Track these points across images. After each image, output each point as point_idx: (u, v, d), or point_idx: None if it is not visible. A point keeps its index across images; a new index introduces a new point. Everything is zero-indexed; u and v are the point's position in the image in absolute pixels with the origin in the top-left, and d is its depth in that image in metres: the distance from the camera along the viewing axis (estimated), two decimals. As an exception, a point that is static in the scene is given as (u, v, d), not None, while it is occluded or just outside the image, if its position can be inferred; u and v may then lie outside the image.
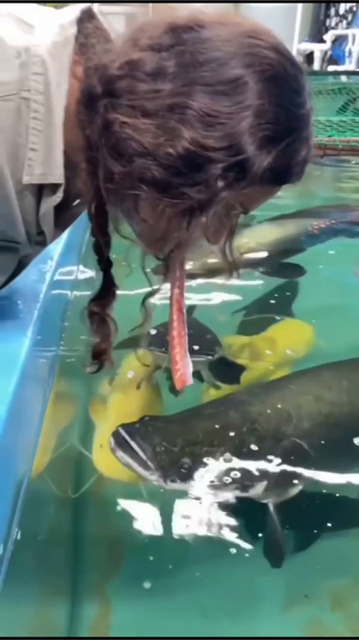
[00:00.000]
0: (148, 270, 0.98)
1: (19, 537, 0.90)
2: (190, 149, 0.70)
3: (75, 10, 0.82)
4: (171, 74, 0.71)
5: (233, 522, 1.11)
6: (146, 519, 1.09)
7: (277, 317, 1.85)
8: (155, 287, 1.00)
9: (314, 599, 1.03)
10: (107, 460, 1.11)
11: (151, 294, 1.01)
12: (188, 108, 0.70)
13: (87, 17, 0.82)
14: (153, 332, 1.47)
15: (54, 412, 1.28)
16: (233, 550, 1.08)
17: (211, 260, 1.84)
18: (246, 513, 1.12)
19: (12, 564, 0.85)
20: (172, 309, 1.01)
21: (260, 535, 1.09)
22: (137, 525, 1.07)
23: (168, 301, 1.04)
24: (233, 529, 1.11)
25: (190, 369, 1.02)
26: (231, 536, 1.09)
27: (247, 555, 1.08)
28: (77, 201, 0.96)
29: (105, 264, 0.91)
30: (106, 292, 0.94)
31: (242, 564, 1.08)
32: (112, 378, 1.45)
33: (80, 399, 1.50)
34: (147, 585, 0.99)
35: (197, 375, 1.40)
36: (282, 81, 0.73)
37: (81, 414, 1.40)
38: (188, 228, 0.77)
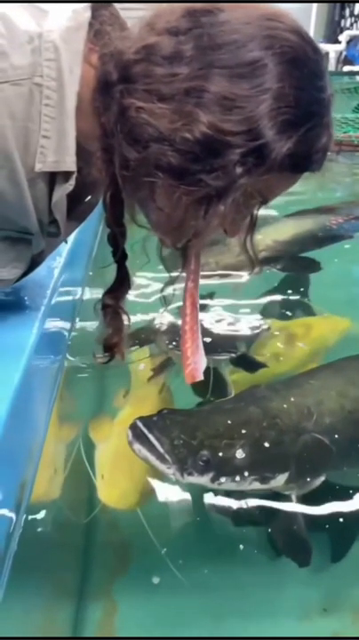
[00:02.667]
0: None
1: (23, 538, 0.87)
2: (208, 134, 0.67)
3: None
4: (189, 57, 0.68)
5: (249, 524, 1.10)
6: (155, 519, 1.06)
7: (289, 313, 1.84)
8: (174, 275, 0.97)
9: (333, 613, 1.00)
10: (109, 492, 1.09)
11: (169, 284, 0.99)
12: (206, 92, 0.67)
13: (103, 3, 0.80)
14: (171, 329, 1.46)
15: (62, 414, 1.24)
16: (247, 556, 1.07)
17: (228, 259, 1.83)
18: (263, 515, 1.10)
19: (17, 564, 0.83)
20: (186, 303, 0.98)
21: (278, 539, 1.07)
22: (146, 525, 1.04)
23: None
24: (248, 531, 1.10)
25: (202, 365, 0.99)
26: (246, 539, 1.08)
27: (262, 562, 1.06)
28: (89, 197, 0.94)
29: (120, 256, 0.89)
30: (120, 284, 0.92)
31: (256, 572, 1.05)
32: (122, 390, 1.41)
33: (89, 401, 1.45)
34: (155, 588, 0.98)
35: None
36: (302, 64, 0.70)
37: (90, 416, 1.36)
38: (205, 217, 0.74)
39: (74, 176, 0.78)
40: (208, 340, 1.07)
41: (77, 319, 1.46)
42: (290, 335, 1.66)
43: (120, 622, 0.99)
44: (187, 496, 1.12)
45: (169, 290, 1.02)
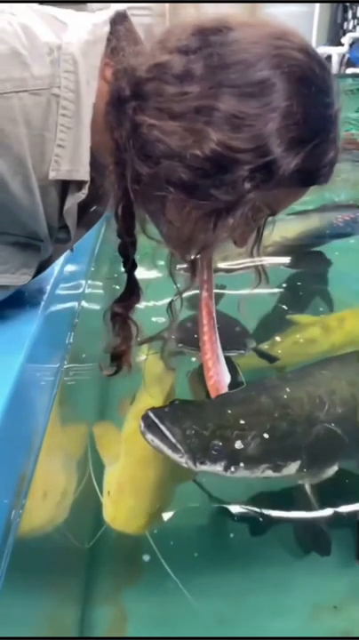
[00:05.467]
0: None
1: (22, 539, 0.85)
2: (217, 151, 0.68)
3: (109, 11, 0.81)
4: (199, 76, 0.69)
5: (259, 521, 1.08)
6: (162, 520, 1.06)
7: (291, 310, 1.81)
8: (183, 289, 0.98)
9: (344, 611, 0.99)
10: (114, 511, 1.04)
11: (177, 295, 0.99)
12: (215, 110, 0.68)
13: (120, 19, 0.81)
14: (181, 327, 1.45)
15: (62, 417, 1.19)
16: (257, 556, 1.06)
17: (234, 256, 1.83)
18: (274, 511, 1.09)
19: (16, 569, 0.80)
20: (202, 313, 0.98)
21: (296, 530, 1.07)
22: (154, 528, 1.04)
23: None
24: (258, 532, 1.08)
25: (225, 376, 0.99)
26: (255, 540, 1.06)
27: (272, 562, 1.05)
28: (94, 208, 0.95)
29: (130, 266, 0.90)
30: (129, 293, 0.93)
31: (266, 570, 1.05)
32: (128, 396, 1.35)
33: (91, 404, 1.41)
34: (162, 590, 0.97)
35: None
36: (310, 82, 0.71)
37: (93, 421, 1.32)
38: (215, 230, 0.75)
39: (86, 185, 0.78)
40: (220, 335, 1.07)
41: (77, 319, 1.41)
42: (322, 328, 1.64)
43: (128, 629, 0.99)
44: (194, 506, 1.12)
45: (176, 298, 1.02)
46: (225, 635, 0.96)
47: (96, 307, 1.56)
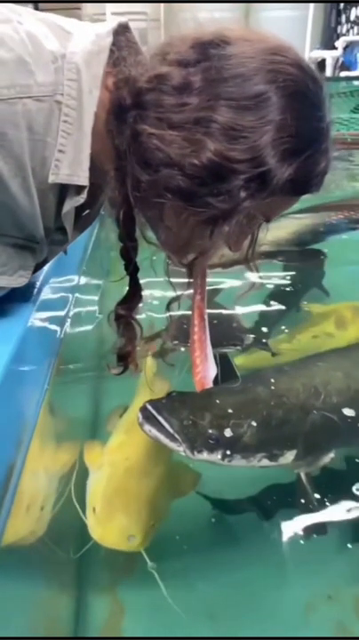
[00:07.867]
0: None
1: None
2: (214, 161, 0.70)
3: (112, 22, 0.82)
4: (197, 88, 0.71)
5: (253, 514, 1.10)
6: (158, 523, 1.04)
7: (287, 305, 1.82)
8: (179, 293, 1.00)
9: (338, 600, 0.99)
10: (101, 528, 0.98)
11: (175, 300, 1.02)
12: (213, 122, 0.70)
13: (122, 30, 0.82)
14: (175, 326, 1.47)
15: (50, 423, 1.18)
16: (252, 545, 1.07)
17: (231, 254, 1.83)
18: (269, 503, 1.10)
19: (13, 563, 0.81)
20: (194, 315, 1.02)
21: (284, 526, 1.06)
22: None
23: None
24: (253, 523, 1.09)
25: (211, 373, 1.03)
26: (251, 531, 1.08)
27: (267, 550, 1.05)
28: (87, 211, 0.96)
29: (132, 269, 0.92)
30: (132, 295, 0.95)
31: (261, 560, 1.05)
32: (118, 408, 1.33)
33: (81, 409, 1.38)
34: (158, 584, 0.96)
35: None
36: (303, 96, 0.73)
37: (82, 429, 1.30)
38: (211, 237, 0.77)
39: (85, 190, 0.80)
40: (216, 330, 1.10)
41: (69, 318, 1.42)
42: (336, 320, 1.66)
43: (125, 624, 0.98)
44: (187, 502, 1.11)
45: (173, 301, 1.05)
46: (219, 630, 0.96)
47: (89, 306, 1.58)
